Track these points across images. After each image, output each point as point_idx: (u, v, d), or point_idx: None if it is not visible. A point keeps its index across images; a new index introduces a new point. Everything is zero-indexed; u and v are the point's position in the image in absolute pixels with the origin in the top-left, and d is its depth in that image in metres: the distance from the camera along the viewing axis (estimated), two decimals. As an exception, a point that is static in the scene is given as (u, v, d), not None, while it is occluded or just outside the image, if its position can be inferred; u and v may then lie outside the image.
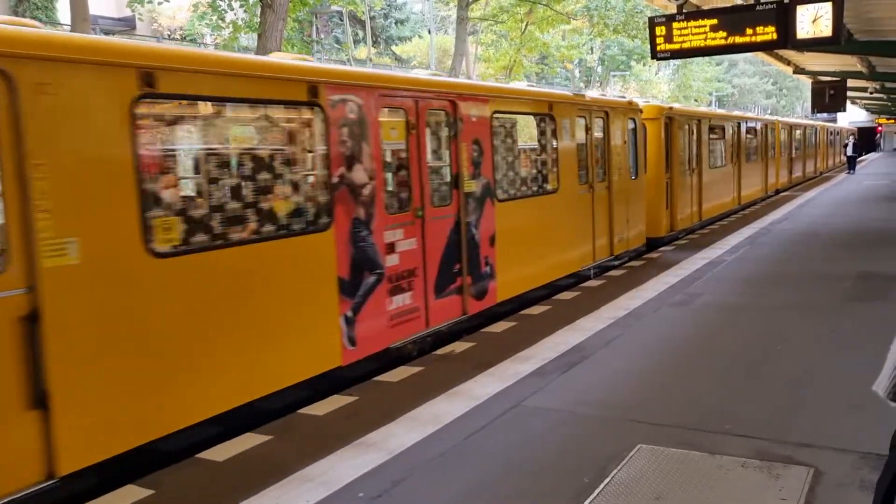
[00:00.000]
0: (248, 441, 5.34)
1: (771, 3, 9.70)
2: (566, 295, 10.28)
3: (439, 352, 7.63)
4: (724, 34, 10.06)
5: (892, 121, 58.66)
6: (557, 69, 43.09)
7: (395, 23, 49.51)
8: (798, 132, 32.73)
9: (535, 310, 9.42)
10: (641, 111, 13.99)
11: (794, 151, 30.98)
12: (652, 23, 10.50)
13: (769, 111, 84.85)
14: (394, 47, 48.29)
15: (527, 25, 31.95)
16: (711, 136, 18.27)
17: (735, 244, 14.29)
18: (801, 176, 33.04)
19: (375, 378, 6.80)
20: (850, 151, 39.77)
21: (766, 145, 25.23)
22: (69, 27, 18.93)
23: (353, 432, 5.41)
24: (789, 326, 8.12)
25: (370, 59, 34.00)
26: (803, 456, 4.70)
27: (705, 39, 10.17)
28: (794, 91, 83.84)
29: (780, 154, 27.68)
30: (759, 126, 24.72)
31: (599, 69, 53.72)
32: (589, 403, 5.93)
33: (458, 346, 7.75)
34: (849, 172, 37.56)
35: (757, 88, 78.07)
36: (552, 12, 30.67)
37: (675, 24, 10.32)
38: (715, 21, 10.11)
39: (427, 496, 4.47)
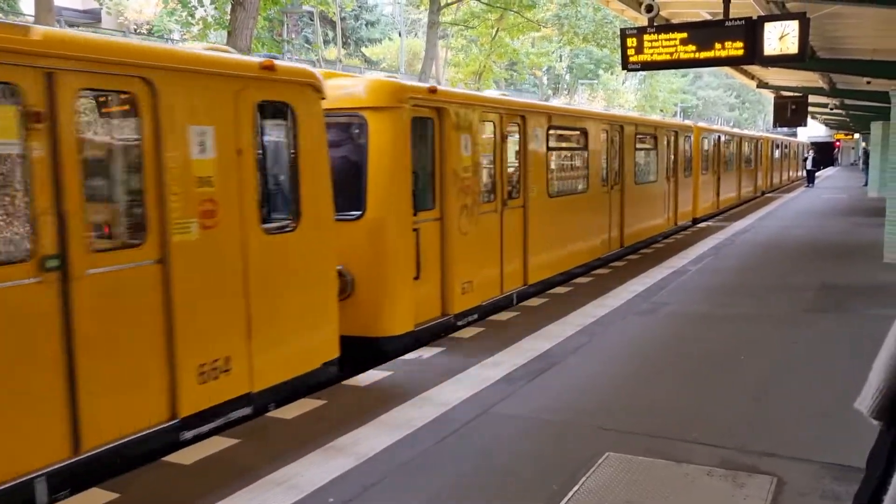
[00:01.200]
0: (215, 444, 5.28)
1: (739, 19, 9.89)
2: (533, 301, 10.35)
3: (407, 357, 7.62)
4: (694, 48, 10.22)
5: (850, 136, 60.07)
6: (526, 76, 43.35)
7: (366, 24, 49.41)
8: (730, 143, 26.75)
9: (503, 316, 9.47)
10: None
11: (723, 168, 24.82)
12: (623, 34, 10.63)
13: (732, 123, 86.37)
14: (364, 49, 48.17)
15: (497, 31, 32.12)
16: (556, 144, 11.98)
17: (699, 254, 14.51)
18: (736, 197, 27.52)
19: (344, 382, 6.77)
20: (809, 165, 40.73)
21: (676, 160, 18.46)
22: (33, 18, 18.57)
23: (322, 436, 5.38)
24: (753, 336, 8.27)
25: (340, 60, 33.88)
26: (767, 465, 4.79)
27: (675, 53, 10.32)
28: (757, 105, 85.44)
29: (699, 171, 21.03)
30: (665, 135, 17.45)
31: (567, 77, 54.19)
32: (557, 410, 5.98)
33: (426, 352, 7.75)
34: (808, 186, 38.38)
35: (721, 101, 79.44)
36: (523, 19, 30.90)
37: (646, 37, 10.45)
38: (685, 35, 10.26)
39: (397, 502, 4.47)
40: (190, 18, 16.60)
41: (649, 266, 13.14)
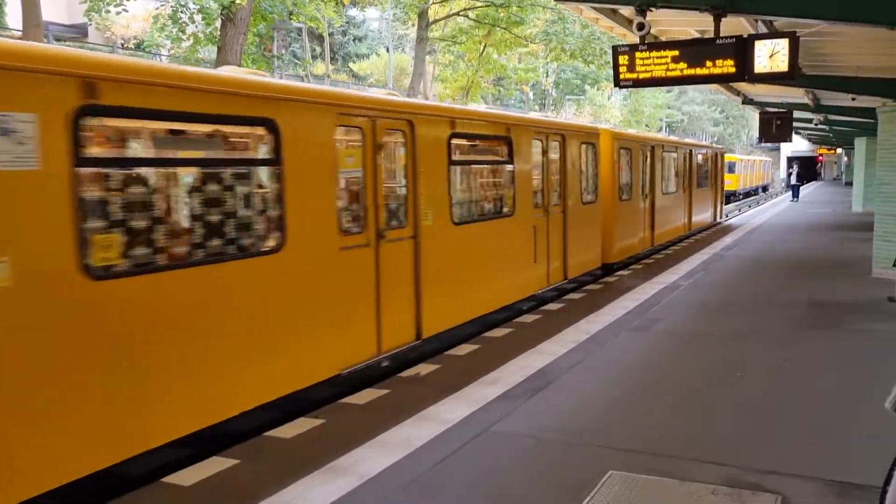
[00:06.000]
0: (214, 465, 5.23)
1: (730, 37, 9.98)
2: (527, 318, 10.35)
3: (404, 374, 7.60)
4: (685, 65, 10.29)
5: (833, 151, 60.76)
6: (514, 91, 43.60)
7: (354, 40, 49.54)
8: (671, 156, 19.90)
9: (498, 332, 9.46)
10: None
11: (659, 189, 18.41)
12: (616, 51, 10.69)
13: (716, 138, 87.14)
14: (351, 64, 48.27)
15: (485, 47, 32.30)
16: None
17: (689, 270, 14.58)
18: (684, 227, 21.40)
19: (341, 400, 6.74)
20: (794, 180, 41.21)
21: (566, 179, 12.62)
22: (19, 32, 18.49)
23: (322, 456, 5.34)
24: (746, 353, 8.30)
25: (328, 76, 33.91)
26: (770, 483, 4.79)
27: (666, 70, 10.38)
28: (740, 120, 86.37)
29: (613, 196, 14.95)
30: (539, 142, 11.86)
31: (554, 93, 54.53)
32: (557, 429, 5.96)
33: (423, 369, 7.73)
34: (793, 200, 38.77)
35: (705, 116, 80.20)
36: (510, 35, 31.09)
37: (637, 54, 10.52)
38: (676, 52, 10.33)
39: (401, 523, 4.43)
40: (181, 34, 16.61)
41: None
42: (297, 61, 33.57)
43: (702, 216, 23.79)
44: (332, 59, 41.51)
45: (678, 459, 5.26)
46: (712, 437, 5.74)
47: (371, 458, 5.32)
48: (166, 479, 4.99)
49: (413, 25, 37.95)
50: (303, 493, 4.76)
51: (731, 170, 52.07)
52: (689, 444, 5.56)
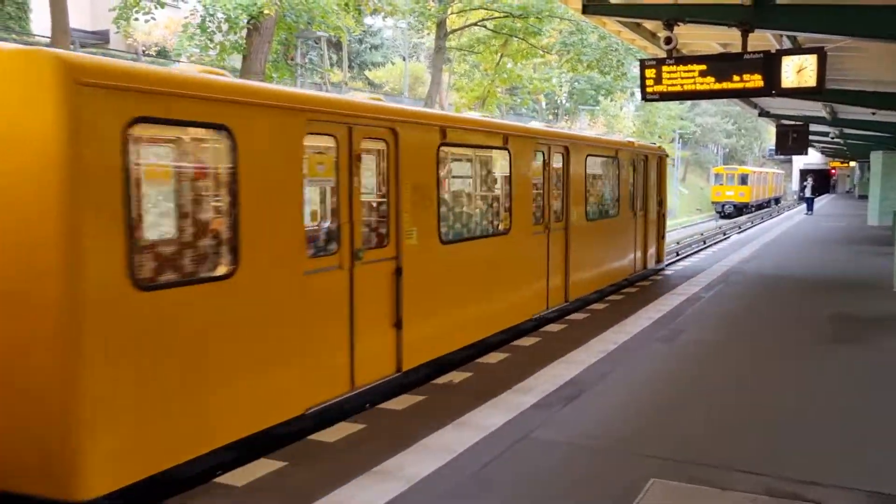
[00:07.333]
0: (263, 466, 5.36)
1: (758, 53, 10.12)
2: (553, 327, 10.46)
3: (438, 381, 7.72)
4: (712, 80, 10.44)
5: (846, 164, 60.69)
6: (528, 101, 43.78)
7: (370, 48, 49.89)
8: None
9: (526, 341, 9.57)
10: None
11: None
12: (643, 65, 10.85)
13: (728, 151, 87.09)
14: (367, 72, 48.59)
15: (501, 57, 32.48)
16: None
17: (710, 282, 14.66)
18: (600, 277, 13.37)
19: (379, 405, 6.86)
20: (808, 193, 41.30)
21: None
22: (46, 38, 18.78)
23: (367, 460, 5.46)
24: (774, 365, 8.39)
25: (345, 83, 34.17)
26: (812, 493, 4.89)
27: (694, 84, 10.53)
28: (753, 132, 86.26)
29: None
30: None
31: (567, 103, 54.68)
32: (595, 436, 6.07)
33: (456, 377, 7.85)
34: (807, 213, 38.77)
35: (718, 128, 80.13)
36: (527, 45, 31.27)
37: (664, 68, 10.68)
38: (703, 67, 10.49)
39: (452, 526, 4.54)
40: (209, 42, 16.87)
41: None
42: (318, 69, 33.84)
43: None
44: (348, 66, 41.83)
45: (717, 469, 5.36)
46: (749, 446, 5.83)
47: (416, 463, 5.43)
48: (218, 480, 5.12)
49: (428, 34, 38.22)
50: (355, 496, 4.88)
51: (744, 181, 52.23)
52: (727, 453, 5.66)
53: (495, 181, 10.18)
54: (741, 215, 49.59)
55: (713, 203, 55.20)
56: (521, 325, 10.23)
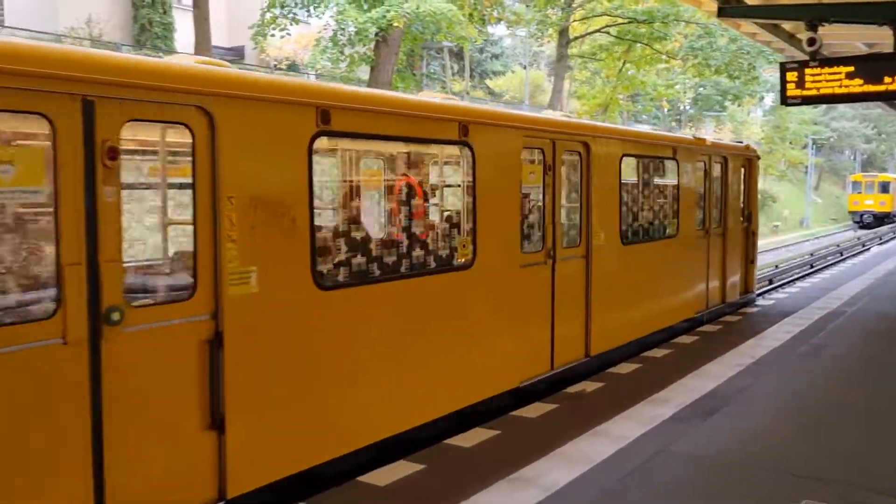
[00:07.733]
0: (403, 468, 5.48)
1: (913, 51, 9.51)
2: (685, 339, 10.18)
3: (569, 390, 7.66)
4: (860, 81, 9.88)
5: None
6: (651, 108, 42.80)
7: (491, 57, 50.21)
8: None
9: (657, 353, 9.35)
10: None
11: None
12: (783, 68, 10.40)
13: (866, 157, 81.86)
14: (487, 81, 48.91)
15: (624, 63, 31.96)
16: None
17: (854, 295, 13.86)
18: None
19: (512, 413, 6.88)
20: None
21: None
22: (191, 55, 20.01)
23: (504, 467, 5.48)
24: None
25: (467, 92, 34.54)
26: None
27: (840, 86, 10.00)
28: (894, 136, 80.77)
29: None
30: None
31: (691, 109, 53.06)
32: (737, 452, 5.86)
33: (588, 386, 7.77)
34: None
35: (856, 133, 75.43)
36: (651, 51, 30.62)
37: (807, 70, 10.19)
38: (851, 68, 9.94)
39: (594, 536, 4.50)
40: (339, 55, 17.50)
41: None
42: (441, 78, 34.40)
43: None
44: (469, 75, 42.30)
45: (869, 492, 5.06)
46: (908, 471, 5.48)
47: (553, 471, 5.41)
48: (362, 479, 5.28)
49: (548, 42, 38.07)
50: (493, 500, 4.91)
51: (885, 189, 48.94)
52: (880, 476, 5.34)
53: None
54: (881, 225, 46.52)
55: (850, 213, 51.93)
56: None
